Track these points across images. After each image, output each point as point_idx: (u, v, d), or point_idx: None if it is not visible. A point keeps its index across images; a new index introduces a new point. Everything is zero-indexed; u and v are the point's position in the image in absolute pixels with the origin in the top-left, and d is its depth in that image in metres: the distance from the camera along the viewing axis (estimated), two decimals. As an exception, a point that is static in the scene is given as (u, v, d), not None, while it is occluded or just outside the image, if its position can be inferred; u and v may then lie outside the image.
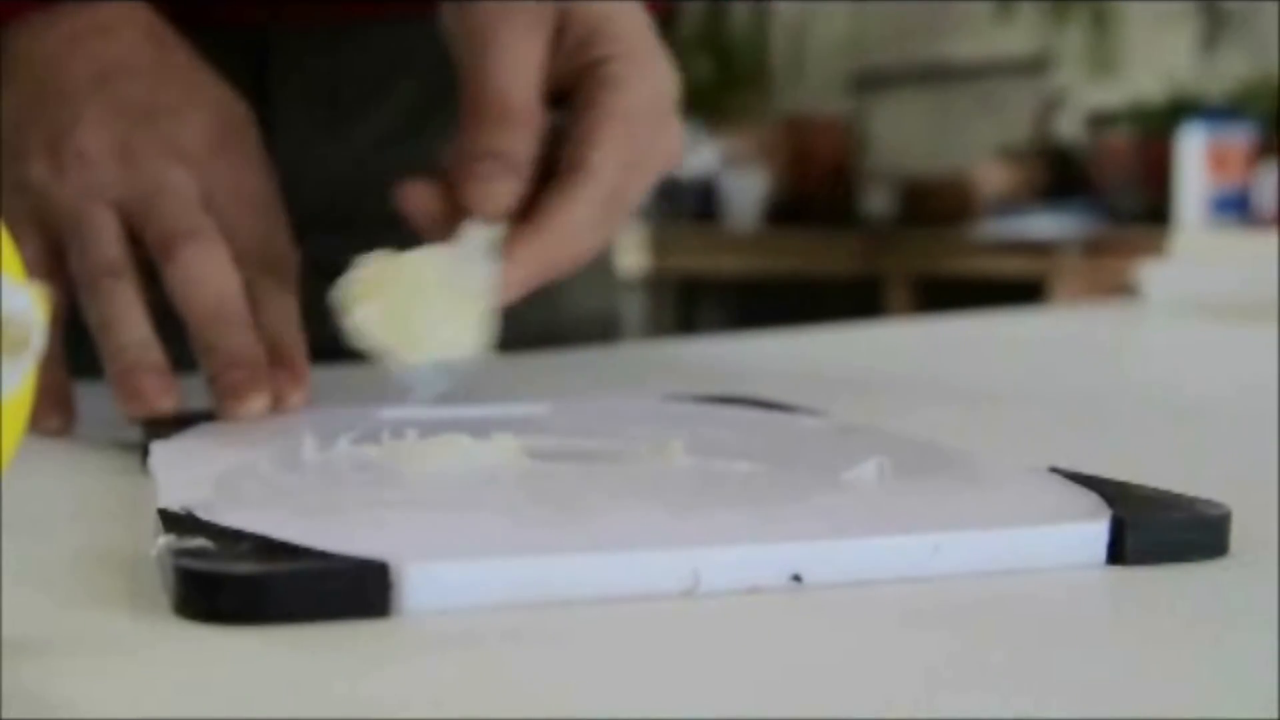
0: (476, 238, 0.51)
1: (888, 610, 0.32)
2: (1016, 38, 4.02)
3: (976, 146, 3.99)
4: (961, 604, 0.32)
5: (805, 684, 0.27)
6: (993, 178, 3.79)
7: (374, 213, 0.80)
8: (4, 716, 0.25)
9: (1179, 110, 3.38)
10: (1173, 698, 0.27)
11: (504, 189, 0.52)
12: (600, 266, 0.84)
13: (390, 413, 0.49)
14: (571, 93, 0.54)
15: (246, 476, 0.41)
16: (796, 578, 0.33)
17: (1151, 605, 0.33)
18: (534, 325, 0.75)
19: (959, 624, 0.31)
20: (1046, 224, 3.49)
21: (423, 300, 0.49)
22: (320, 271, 0.65)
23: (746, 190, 4.04)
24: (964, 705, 0.26)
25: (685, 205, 3.98)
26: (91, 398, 0.55)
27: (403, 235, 0.80)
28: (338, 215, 0.79)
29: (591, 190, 0.52)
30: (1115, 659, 0.29)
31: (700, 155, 3.87)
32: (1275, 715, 0.25)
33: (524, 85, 0.53)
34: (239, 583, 0.30)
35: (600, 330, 0.86)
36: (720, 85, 4.33)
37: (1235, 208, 3.07)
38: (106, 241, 0.54)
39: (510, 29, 0.53)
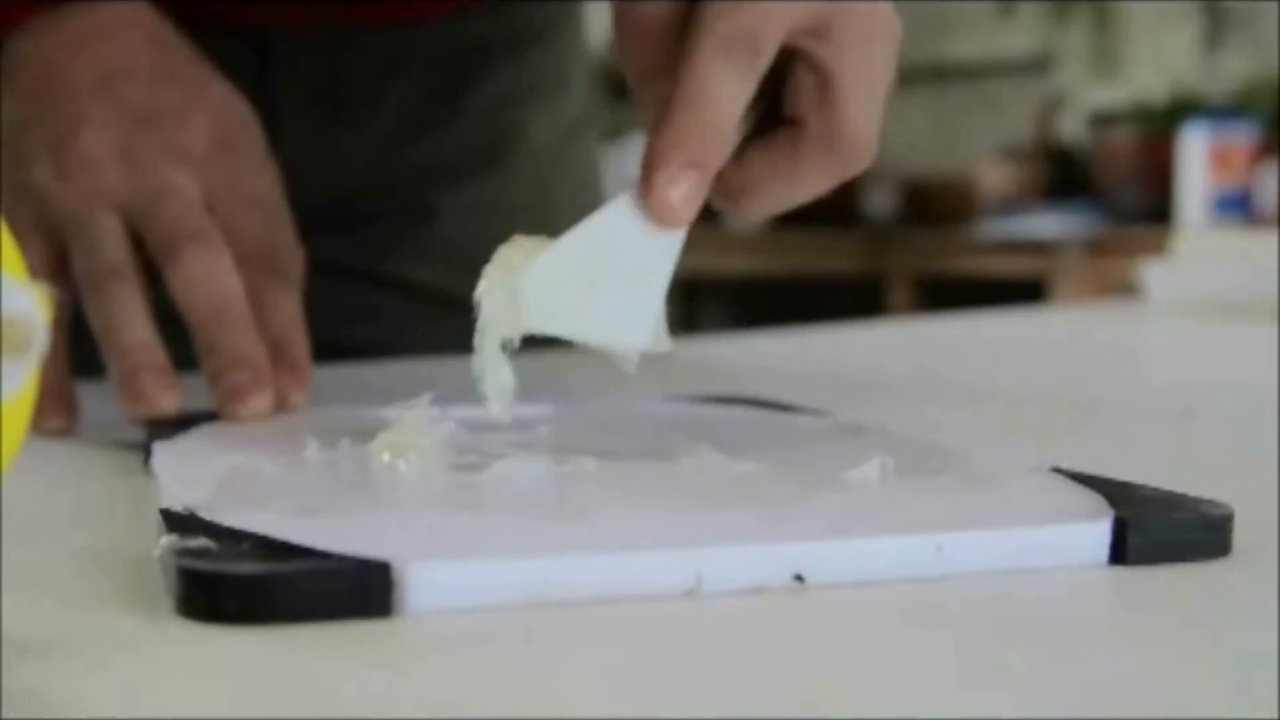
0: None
1: (889, 610, 0.32)
2: (1017, 38, 4.02)
3: (978, 146, 3.99)
4: (963, 604, 0.32)
5: (807, 684, 0.27)
6: (994, 177, 3.78)
7: (377, 213, 0.81)
8: (5, 716, 0.25)
9: (1181, 110, 3.37)
10: (1173, 698, 0.27)
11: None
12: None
13: (391, 413, 0.49)
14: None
15: (249, 477, 0.41)
16: (799, 578, 0.33)
17: (1153, 605, 0.33)
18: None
19: (961, 624, 0.31)
20: (1048, 224, 3.48)
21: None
22: (324, 271, 0.65)
23: (748, 190, 4.03)
24: (965, 705, 0.26)
25: (686, 205, 3.97)
26: (94, 398, 0.55)
27: (405, 235, 0.81)
28: (341, 215, 0.79)
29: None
30: (1116, 659, 0.29)
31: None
32: (1275, 715, 0.25)
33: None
34: (241, 583, 0.30)
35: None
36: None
37: (1237, 207, 3.06)
38: (109, 244, 0.54)
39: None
